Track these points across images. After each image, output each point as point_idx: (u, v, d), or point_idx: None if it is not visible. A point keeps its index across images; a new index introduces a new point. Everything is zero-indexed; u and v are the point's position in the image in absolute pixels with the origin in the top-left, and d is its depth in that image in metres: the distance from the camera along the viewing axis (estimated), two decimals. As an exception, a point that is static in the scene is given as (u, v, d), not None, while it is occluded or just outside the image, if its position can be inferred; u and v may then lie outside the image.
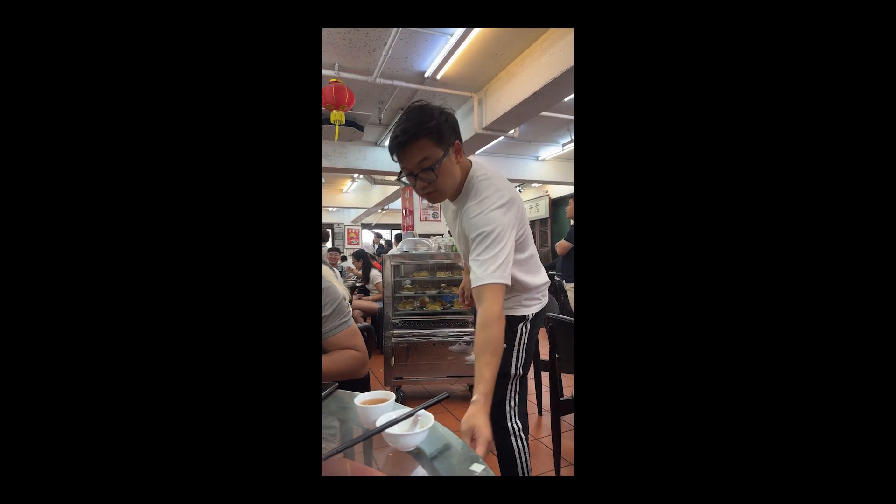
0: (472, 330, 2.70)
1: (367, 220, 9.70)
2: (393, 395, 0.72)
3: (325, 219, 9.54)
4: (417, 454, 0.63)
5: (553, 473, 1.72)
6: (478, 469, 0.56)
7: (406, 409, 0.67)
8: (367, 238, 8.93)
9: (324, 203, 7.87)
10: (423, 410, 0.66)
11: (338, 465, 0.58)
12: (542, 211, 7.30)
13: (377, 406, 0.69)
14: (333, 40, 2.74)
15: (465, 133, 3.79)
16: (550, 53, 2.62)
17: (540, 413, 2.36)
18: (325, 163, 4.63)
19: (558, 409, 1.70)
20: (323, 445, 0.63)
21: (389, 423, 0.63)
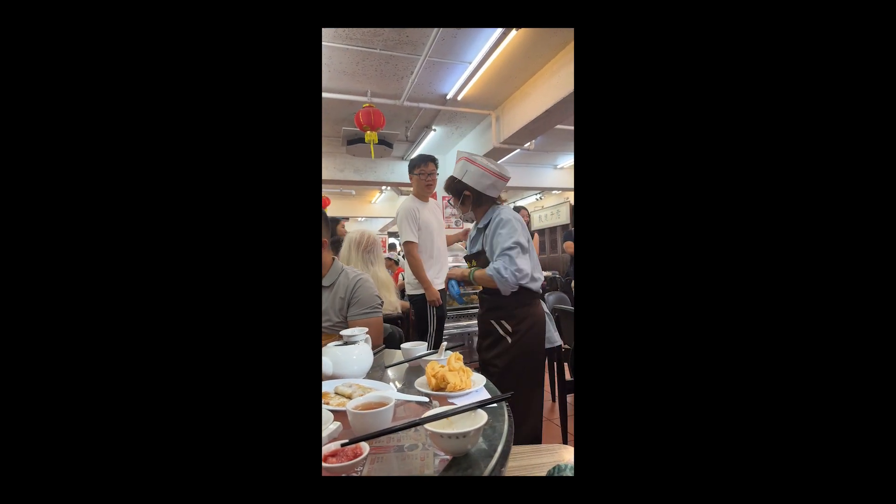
0: (475, 322, 2.99)
1: (392, 229, 10.15)
2: (392, 400, 0.65)
3: (356, 227, 10.02)
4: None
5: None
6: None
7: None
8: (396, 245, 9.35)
9: (354, 213, 8.35)
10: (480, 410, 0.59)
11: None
12: (564, 217, 7.48)
13: (376, 412, 0.62)
14: (367, 71, 3.12)
15: (484, 147, 4.12)
16: (559, 76, 2.92)
17: (553, 399, 2.61)
18: (357, 177, 5.08)
19: (563, 388, 1.97)
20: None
21: (436, 416, 0.58)
